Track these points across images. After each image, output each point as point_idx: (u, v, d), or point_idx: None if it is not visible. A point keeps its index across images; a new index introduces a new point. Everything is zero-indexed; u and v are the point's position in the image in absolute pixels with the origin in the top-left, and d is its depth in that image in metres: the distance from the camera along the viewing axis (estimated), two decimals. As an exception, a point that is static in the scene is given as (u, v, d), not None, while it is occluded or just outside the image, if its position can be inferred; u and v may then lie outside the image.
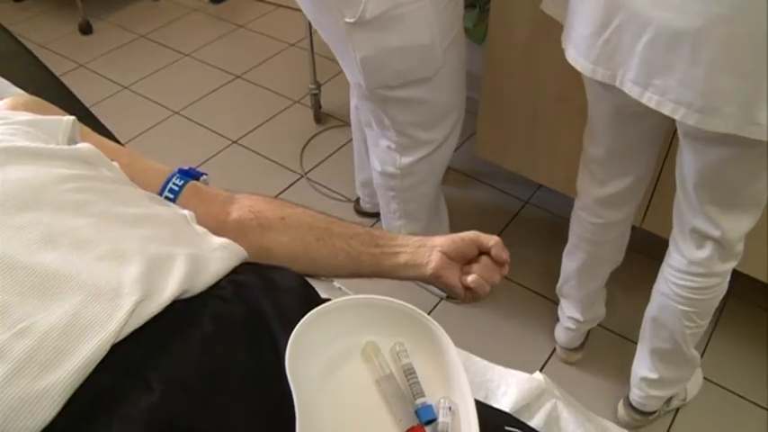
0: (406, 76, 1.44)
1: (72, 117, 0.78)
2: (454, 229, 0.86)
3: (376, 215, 2.12)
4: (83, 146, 0.73)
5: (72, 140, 0.76)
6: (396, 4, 1.31)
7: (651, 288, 1.43)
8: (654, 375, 1.50)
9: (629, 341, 1.79)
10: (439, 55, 1.42)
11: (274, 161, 2.38)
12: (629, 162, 1.35)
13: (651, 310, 1.43)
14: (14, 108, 0.79)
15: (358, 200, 2.18)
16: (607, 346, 1.77)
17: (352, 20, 1.32)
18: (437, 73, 1.45)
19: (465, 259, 0.84)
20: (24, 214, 0.59)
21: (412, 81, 1.45)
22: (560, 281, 1.69)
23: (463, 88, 1.63)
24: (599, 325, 1.82)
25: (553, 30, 1.61)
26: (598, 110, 1.30)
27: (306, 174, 2.34)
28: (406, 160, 1.65)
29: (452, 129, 1.65)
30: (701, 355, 1.76)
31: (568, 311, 1.69)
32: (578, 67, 1.19)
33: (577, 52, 1.17)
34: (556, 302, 1.89)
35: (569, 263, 1.63)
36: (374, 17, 1.32)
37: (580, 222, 1.51)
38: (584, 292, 1.64)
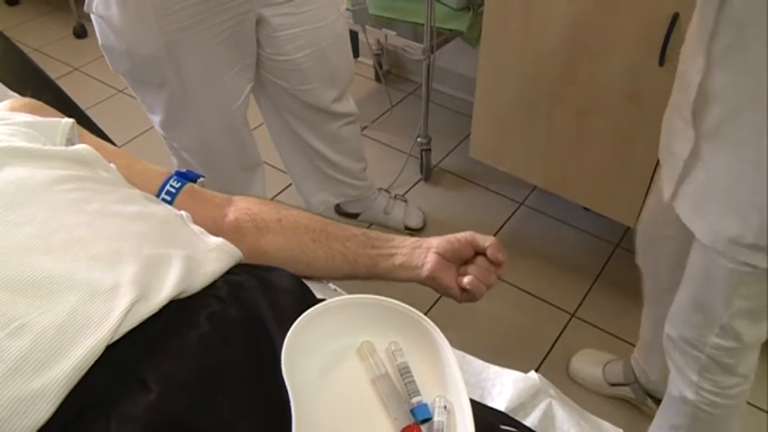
0: (136, 75, 1.43)
1: (71, 119, 0.79)
2: (449, 230, 0.86)
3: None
4: (80, 147, 0.74)
5: (70, 142, 0.77)
6: (118, 13, 1.30)
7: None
8: None
9: (619, 339, 1.80)
10: (167, 68, 1.38)
11: (267, 162, 2.38)
12: None
13: None
14: (14, 110, 0.80)
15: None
16: (598, 344, 1.78)
17: (85, 6, 1.34)
18: (171, 87, 1.42)
19: (461, 260, 0.84)
20: (19, 212, 0.60)
21: (146, 81, 1.43)
22: None
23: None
24: (591, 324, 1.83)
25: (546, 31, 1.62)
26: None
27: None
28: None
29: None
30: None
31: None
32: None
33: None
34: (550, 303, 1.90)
35: None
36: (101, 15, 1.32)
37: None
38: None
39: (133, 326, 0.56)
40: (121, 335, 0.55)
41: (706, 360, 1.16)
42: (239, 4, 1.36)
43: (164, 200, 0.81)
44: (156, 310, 0.58)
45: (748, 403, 1.65)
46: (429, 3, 1.84)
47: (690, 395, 1.23)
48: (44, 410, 0.49)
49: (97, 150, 0.75)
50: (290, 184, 2.15)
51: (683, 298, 1.16)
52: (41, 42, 3.12)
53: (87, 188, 0.67)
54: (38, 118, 0.76)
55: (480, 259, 0.84)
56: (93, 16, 1.36)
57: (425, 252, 0.83)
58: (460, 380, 0.62)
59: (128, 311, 0.56)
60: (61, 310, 0.54)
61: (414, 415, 0.62)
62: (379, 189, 2.14)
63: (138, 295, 0.58)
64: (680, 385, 1.24)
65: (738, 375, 1.17)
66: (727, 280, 1.03)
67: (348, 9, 1.91)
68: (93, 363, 0.52)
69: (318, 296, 0.75)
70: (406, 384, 0.64)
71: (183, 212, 0.76)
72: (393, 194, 2.15)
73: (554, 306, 1.90)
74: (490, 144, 2.02)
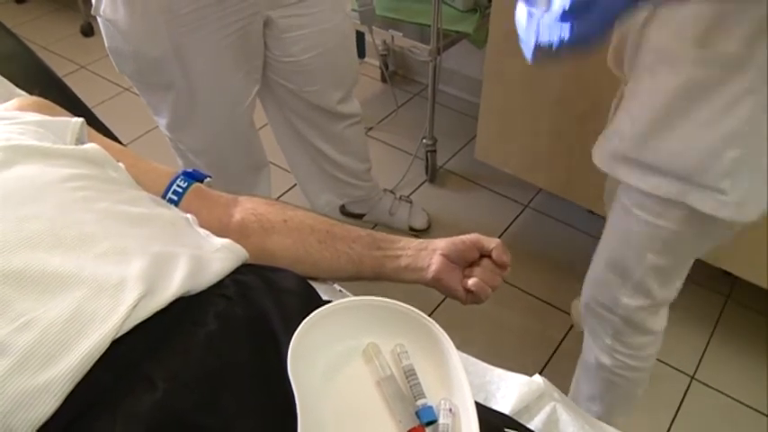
0: (142, 77, 1.42)
1: (81, 119, 0.79)
2: (454, 232, 0.86)
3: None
4: (90, 146, 0.74)
5: (80, 142, 0.77)
6: (125, 16, 1.29)
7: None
8: None
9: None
10: (174, 71, 1.37)
11: (272, 162, 2.38)
12: None
13: None
14: (22, 109, 0.80)
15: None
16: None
17: (92, 9, 1.34)
18: (178, 89, 1.41)
19: (466, 262, 0.84)
20: (27, 209, 0.60)
21: (153, 83, 1.43)
22: None
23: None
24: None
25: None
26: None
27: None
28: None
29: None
30: (700, 360, 1.77)
31: None
32: None
33: None
34: (555, 306, 1.90)
35: None
36: (109, 19, 1.32)
37: None
38: None
39: (139, 321, 0.56)
40: (128, 330, 0.55)
41: (619, 321, 1.20)
42: (247, 6, 1.36)
43: (170, 200, 0.82)
44: (164, 306, 0.59)
45: (747, 405, 1.66)
46: (436, 4, 1.84)
47: (605, 360, 1.26)
48: (49, 405, 0.49)
49: (105, 149, 0.75)
50: (296, 185, 2.15)
51: (599, 260, 1.20)
52: (48, 40, 3.13)
53: (95, 187, 0.68)
54: (47, 117, 0.76)
55: (485, 261, 0.84)
56: (99, 19, 1.35)
57: (431, 254, 0.83)
58: (465, 382, 0.62)
59: (134, 306, 0.56)
60: (68, 306, 0.54)
61: (419, 417, 0.62)
62: (384, 190, 2.14)
63: (146, 290, 0.58)
64: (596, 351, 1.28)
65: (651, 333, 1.22)
66: (641, 236, 1.06)
67: (354, 10, 1.91)
68: (98, 358, 0.52)
69: (324, 297, 0.75)
70: (411, 386, 0.64)
71: (189, 215, 0.76)
72: (398, 195, 2.15)
73: (558, 309, 1.90)
74: (496, 146, 2.02)
